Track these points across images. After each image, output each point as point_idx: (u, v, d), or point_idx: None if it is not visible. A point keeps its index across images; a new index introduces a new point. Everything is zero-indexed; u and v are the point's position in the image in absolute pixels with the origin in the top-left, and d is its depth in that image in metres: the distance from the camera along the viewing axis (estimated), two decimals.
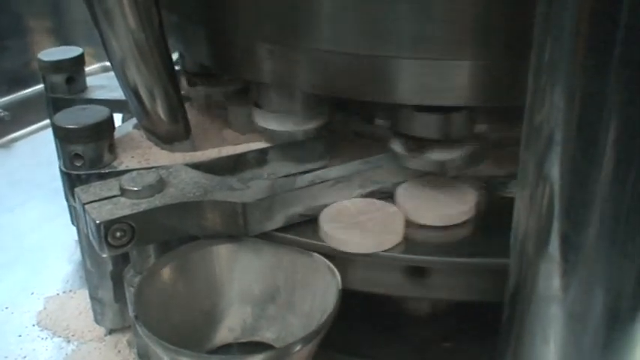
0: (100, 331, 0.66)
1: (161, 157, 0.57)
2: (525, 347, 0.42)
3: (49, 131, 0.96)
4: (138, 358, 0.58)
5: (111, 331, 0.65)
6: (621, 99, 0.32)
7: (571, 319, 0.39)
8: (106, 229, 0.49)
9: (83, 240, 0.59)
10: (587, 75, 0.33)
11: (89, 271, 0.61)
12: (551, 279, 0.39)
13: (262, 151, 0.59)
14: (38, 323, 0.68)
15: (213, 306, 0.54)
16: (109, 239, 0.50)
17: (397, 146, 0.55)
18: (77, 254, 0.77)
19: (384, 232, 0.51)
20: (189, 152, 0.58)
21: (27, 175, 0.94)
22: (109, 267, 0.60)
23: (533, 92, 0.37)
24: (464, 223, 0.54)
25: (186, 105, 0.61)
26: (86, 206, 0.51)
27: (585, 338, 0.38)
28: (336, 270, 0.50)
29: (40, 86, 1.04)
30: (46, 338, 0.66)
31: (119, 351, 0.63)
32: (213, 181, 0.53)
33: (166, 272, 0.52)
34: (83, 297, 0.69)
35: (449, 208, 0.53)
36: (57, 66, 0.69)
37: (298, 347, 0.45)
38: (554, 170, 0.36)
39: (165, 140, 0.58)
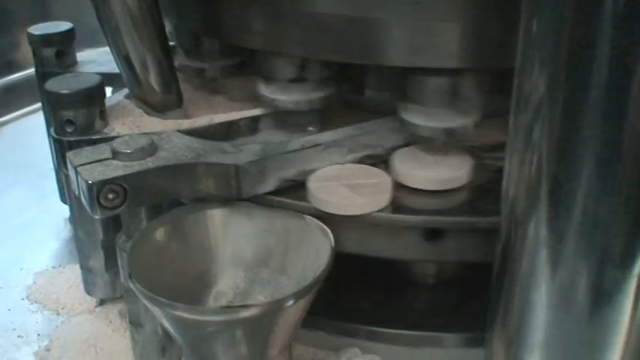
0: (91, 303, 0.66)
1: (153, 124, 0.57)
2: (514, 308, 0.42)
3: (37, 116, 0.97)
4: (130, 325, 0.58)
5: (102, 302, 0.65)
6: (607, 68, 0.33)
7: (558, 280, 0.39)
8: (98, 189, 0.49)
9: (75, 209, 0.60)
10: (573, 46, 0.34)
11: (80, 240, 0.61)
12: (539, 240, 0.39)
13: (254, 119, 0.59)
14: (28, 297, 0.68)
15: (206, 270, 0.54)
16: (101, 200, 0.50)
17: (404, 113, 0.55)
18: (66, 232, 0.77)
19: (371, 194, 0.52)
20: (181, 119, 0.58)
21: (14, 158, 0.94)
22: (100, 236, 0.60)
23: (522, 61, 0.38)
24: (457, 189, 0.54)
25: (180, 78, 0.62)
26: (78, 168, 0.51)
27: (573, 302, 0.39)
28: (328, 230, 0.51)
29: (27, 72, 1.06)
30: (36, 311, 0.66)
31: (110, 321, 0.63)
32: (205, 145, 0.54)
33: (159, 235, 0.52)
34: (73, 272, 0.69)
35: (442, 173, 0.54)
36: (47, 40, 0.69)
37: (291, 302, 0.45)
38: (542, 136, 0.37)
39: (158, 109, 0.58)
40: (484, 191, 0.54)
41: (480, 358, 0.49)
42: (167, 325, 0.49)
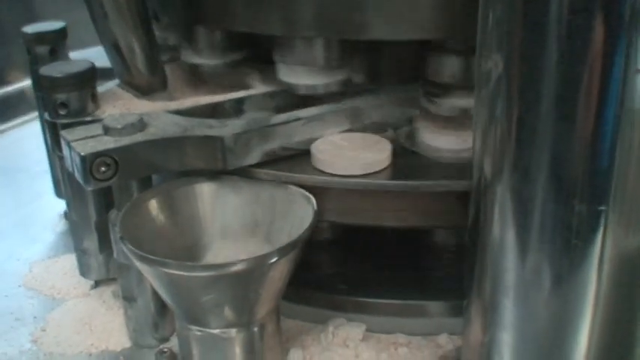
0: (85, 287, 0.68)
1: (142, 106, 0.60)
2: (487, 275, 0.44)
3: (31, 126, 1.00)
4: (123, 301, 0.60)
5: (96, 284, 0.67)
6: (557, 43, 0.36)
7: (528, 245, 0.41)
8: (91, 162, 0.52)
9: (68, 191, 0.62)
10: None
11: (74, 222, 0.63)
12: (506, 204, 0.41)
13: (239, 101, 0.62)
14: (24, 284, 0.70)
15: (196, 242, 0.56)
16: (94, 172, 0.52)
17: (420, 93, 0.58)
18: (61, 226, 0.79)
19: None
20: (168, 101, 0.61)
21: (10, 163, 0.97)
22: (94, 217, 0.62)
23: (481, 43, 0.41)
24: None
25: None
26: (72, 143, 0.53)
27: (542, 263, 0.41)
28: (311, 196, 0.53)
29: (21, 84, 1.10)
30: (32, 297, 0.68)
31: (104, 301, 0.65)
32: (192, 122, 0.56)
33: (150, 206, 0.54)
34: (68, 260, 0.71)
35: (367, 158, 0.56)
36: (41, 37, 0.72)
37: (274, 258, 0.48)
38: (503, 108, 0.39)
39: (145, 91, 0.61)
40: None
41: (458, 324, 0.51)
42: (158, 286, 0.51)
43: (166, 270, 0.47)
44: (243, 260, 0.47)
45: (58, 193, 0.79)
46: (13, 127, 1.08)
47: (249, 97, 0.62)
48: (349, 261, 0.66)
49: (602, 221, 0.38)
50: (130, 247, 0.48)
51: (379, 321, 0.60)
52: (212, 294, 0.49)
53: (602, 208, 0.38)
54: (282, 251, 0.48)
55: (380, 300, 0.61)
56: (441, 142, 0.57)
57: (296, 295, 0.61)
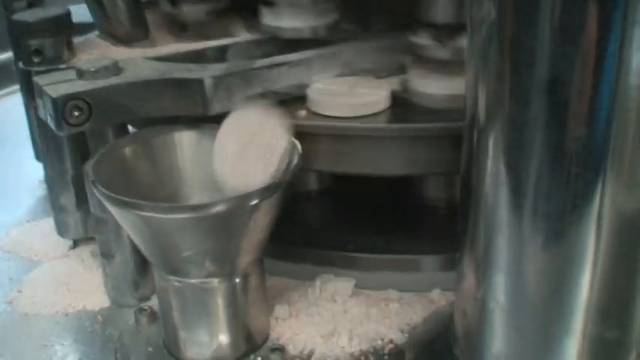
0: (64, 249, 0.65)
1: (120, 53, 0.57)
2: (480, 228, 0.42)
3: (13, 98, 0.97)
4: (101, 258, 0.57)
5: (75, 245, 0.65)
6: None
7: (522, 193, 0.39)
8: (63, 104, 0.49)
9: (43, 144, 0.59)
10: None
11: (50, 178, 0.61)
12: (500, 144, 0.39)
13: (222, 49, 0.59)
14: (1, 247, 0.68)
15: (175, 192, 0.54)
16: (67, 117, 0.50)
17: (421, 37, 0.55)
18: (41, 191, 0.77)
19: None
20: (148, 48, 0.58)
21: None
22: (70, 172, 0.60)
23: None
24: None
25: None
26: (44, 87, 0.51)
27: (536, 221, 0.39)
28: (295, 140, 0.50)
29: (5, 55, 1.07)
30: (9, 259, 0.66)
31: (82, 261, 0.63)
32: (170, 66, 0.54)
33: (126, 153, 0.52)
34: (47, 224, 0.69)
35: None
36: None
37: (256, 200, 0.45)
38: (497, 52, 0.37)
39: (126, 40, 0.59)
40: None
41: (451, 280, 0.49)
42: (133, 234, 0.48)
43: (140, 213, 0.45)
44: (222, 201, 0.44)
45: (38, 156, 0.76)
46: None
47: (233, 44, 0.59)
48: (337, 215, 0.63)
49: (601, 178, 0.36)
50: (102, 189, 0.46)
51: (369, 277, 0.58)
52: (190, 239, 0.46)
53: (600, 165, 0.36)
54: (263, 192, 0.46)
55: (370, 255, 0.58)
56: (437, 87, 0.55)
57: (281, 251, 0.59)
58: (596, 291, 0.39)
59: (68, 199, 0.61)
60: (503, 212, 0.40)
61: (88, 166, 0.52)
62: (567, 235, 0.38)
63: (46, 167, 0.60)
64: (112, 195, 0.45)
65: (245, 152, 0.48)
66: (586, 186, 0.37)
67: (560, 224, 0.38)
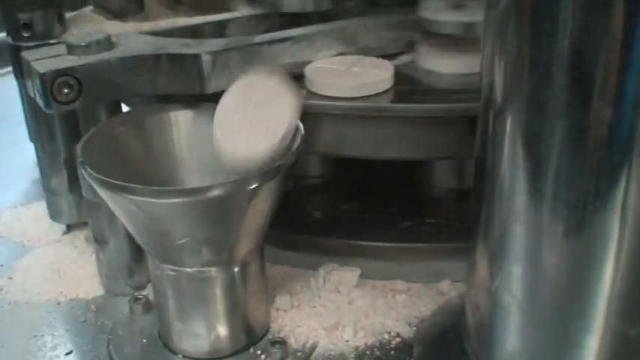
0: (57, 233, 0.63)
1: (113, 27, 0.55)
2: (495, 215, 0.39)
3: (8, 78, 0.95)
4: (95, 244, 0.54)
5: (68, 230, 0.62)
6: None
7: (541, 179, 0.36)
8: (51, 81, 0.46)
9: (34, 123, 0.57)
10: None
11: (41, 159, 0.58)
12: (517, 125, 0.36)
13: (221, 24, 0.56)
14: None
15: (171, 176, 0.51)
16: (55, 94, 0.47)
17: (424, 11, 0.52)
18: (36, 173, 0.74)
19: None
20: (142, 22, 0.55)
21: None
22: (63, 153, 0.57)
23: None
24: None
25: None
26: (32, 62, 0.48)
27: (556, 208, 0.36)
28: (300, 123, 0.47)
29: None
30: (1, 244, 0.64)
31: (76, 246, 0.61)
32: (166, 41, 0.51)
33: (119, 134, 0.49)
34: (40, 207, 0.66)
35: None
36: None
37: (255, 184, 0.42)
38: (514, 30, 0.35)
39: (120, 14, 0.56)
40: None
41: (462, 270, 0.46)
42: (125, 220, 0.45)
43: (132, 197, 0.42)
44: (220, 184, 0.41)
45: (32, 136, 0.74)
46: None
47: (233, 19, 0.56)
48: (342, 202, 0.60)
49: (627, 163, 0.33)
50: (90, 171, 0.43)
51: (375, 266, 0.55)
52: (185, 226, 0.43)
53: (627, 148, 0.33)
54: (264, 176, 0.43)
55: (376, 243, 0.55)
56: (447, 66, 0.52)
57: (283, 238, 0.56)
58: (620, 284, 0.36)
59: (60, 181, 0.58)
60: (520, 198, 0.37)
61: (78, 147, 0.49)
62: (590, 223, 0.35)
63: (37, 148, 0.58)
64: (102, 177, 0.42)
65: (248, 120, 0.45)
66: (611, 171, 0.34)
67: (582, 212, 0.35)
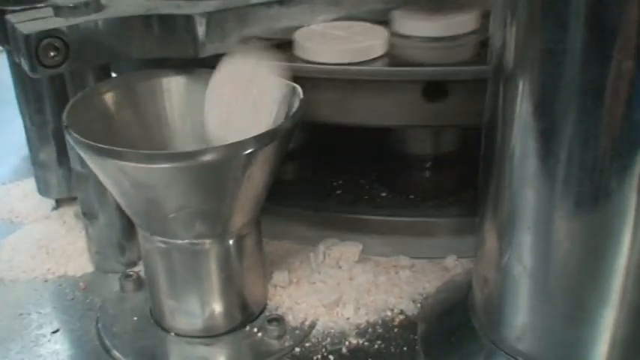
0: (46, 210, 0.61)
1: None
2: (505, 189, 0.37)
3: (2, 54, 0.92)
4: (84, 219, 0.52)
5: (57, 205, 0.60)
6: None
7: (553, 149, 0.34)
8: (36, 43, 0.44)
9: (21, 89, 0.54)
10: None
11: (29, 130, 0.56)
12: (529, 82, 0.34)
13: None
14: None
15: (163, 144, 0.49)
16: (41, 57, 0.45)
17: None
18: (26, 150, 0.72)
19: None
20: None
21: None
22: (51, 124, 0.55)
23: None
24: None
25: None
26: (16, 25, 0.45)
27: (568, 182, 0.34)
28: (296, 85, 0.45)
29: None
30: None
31: (64, 222, 0.59)
32: (158, 2, 0.49)
33: (108, 99, 0.47)
34: (30, 184, 0.64)
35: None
36: None
37: (251, 148, 0.40)
38: None
39: None
40: None
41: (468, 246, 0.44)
42: (112, 188, 0.43)
43: (119, 162, 0.39)
44: (213, 148, 0.39)
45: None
46: None
47: None
48: (344, 174, 0.58)
49: None
50: (75, 135, 0.40)
51: (378, 241, 0.53)
52: (176, 194, 0.41)
53: None
54: (259, 140, 0.40)
55: (378, 217, 0.53)
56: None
57: (281, 211, 0.53)
58: (637, 254, 0.34)
59: (49, 154, 0.56)
60: (532, 163, 0.35)
61: (64, 113, 0.47)
62: (606, 188, 0.33)
63: (24, 120, 0.55)
64: (87, 141, 0.40)
65: (239, 106, 0.43)
66: (631, 130, 0.31)
67: (598, 175, 0.33)
